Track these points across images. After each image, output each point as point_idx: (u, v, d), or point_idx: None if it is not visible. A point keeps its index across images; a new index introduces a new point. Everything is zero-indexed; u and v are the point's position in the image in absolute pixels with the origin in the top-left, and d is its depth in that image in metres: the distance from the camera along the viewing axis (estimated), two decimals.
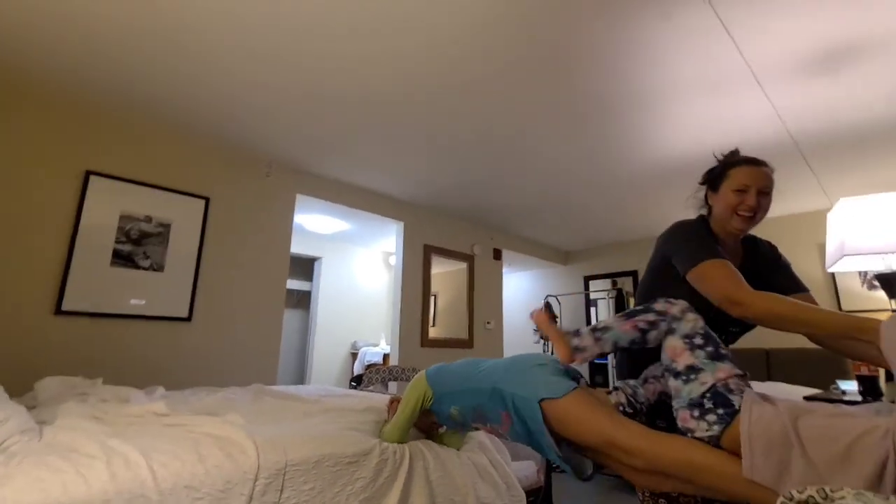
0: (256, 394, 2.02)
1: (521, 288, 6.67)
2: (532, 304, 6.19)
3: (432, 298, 4.41)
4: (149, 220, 2.74)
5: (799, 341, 4.10)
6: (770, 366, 3.99)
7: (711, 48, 2.01)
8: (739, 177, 1.31)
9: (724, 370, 1.04)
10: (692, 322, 1.14)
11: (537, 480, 2.29)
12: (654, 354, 1.21)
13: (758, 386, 3.47)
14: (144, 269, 2.68)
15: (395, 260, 4.23)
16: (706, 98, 2.42)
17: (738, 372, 1.05)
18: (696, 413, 1.01)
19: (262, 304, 3.17)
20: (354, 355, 5.06)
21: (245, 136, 2.97)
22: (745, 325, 1.35)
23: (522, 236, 5.42)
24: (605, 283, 5.63)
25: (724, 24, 1.86)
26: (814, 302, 1.29)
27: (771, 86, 2.29)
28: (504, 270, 6.52)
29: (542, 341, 5.72)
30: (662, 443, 1.05)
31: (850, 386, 1.77)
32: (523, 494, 1.76)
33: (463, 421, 1.49)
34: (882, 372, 1.51)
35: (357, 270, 5.26)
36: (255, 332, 3.11)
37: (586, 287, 5.81)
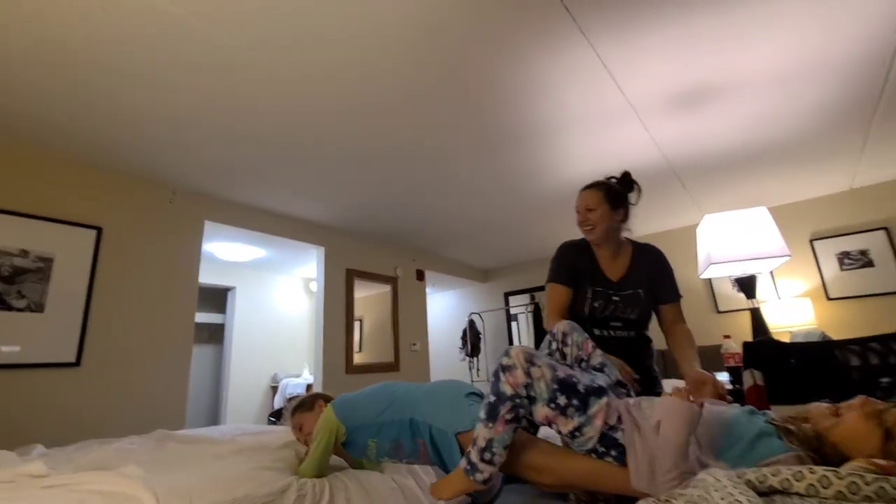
0: (159, 440, 1.86)
1: (445, 307, 6.77)
2: (457, 322, 6.32)
3: (357, 323, 4.34)
4: (25, 254, 2.43)
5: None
6: (666, 365, 4.42)
7: (595, 85, 2.27)
8: (576, 202, 1.71)
9: (599, 414, 1.09)
10: (543, 382, 1.13)
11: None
12: None
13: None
14: (19, 310, 2.37)
15: (317, 286, 4.12)
16: (594, 128, 2.70)
17: (609, 403, 1.11)
18: (596, 457, 1.12)
19: (166, 341, 2.93)
20: (275, 388, 4.79)
21: (144, 160, 2.78)
22: (627, 321, 1.55)
23: (443, 256, 5.55)
24: (524, 298, 5.91)
25: (605, 64, 2.12)
26: (679, 312, 1.60)
27: (648, 118, 2.62)
28: (427, 291, 6.60)
29: (467, 359, 5.84)
30: (568, 459, 1.16)
31: (723, 376, 2.04)
32: None
33: (378, 454, 1.51)
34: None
35: (275, 299, 5.03)
36: (158, 373, 2.85)
37: (506, 303, 6.06)
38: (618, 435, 1.09)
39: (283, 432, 1.95)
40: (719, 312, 4.44)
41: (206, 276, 4.43)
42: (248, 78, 2.07)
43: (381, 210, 3.89)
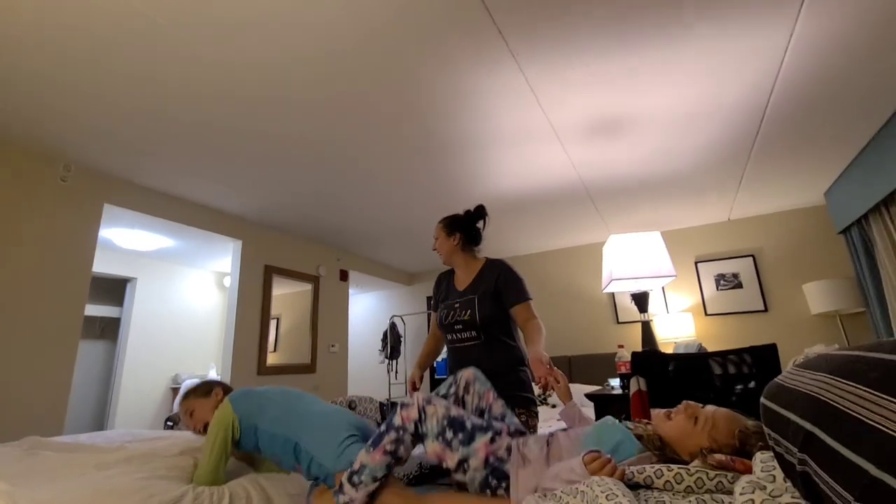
0: (30, 449, 1.65)
1: (367, 308, 6.70)
2: (378, 324, 6.28)
3: (273, 322, 4.16)
4: None
5: (588, 349, 4.94)
6: (572, 369, 4.77)
7: (522, 105, 2.41)
8: None
9: (483, 446, 1.16)
10: (435, 418, 1.19)
11: None
12: None
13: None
14: None
15: (231, 281, 3.89)
16: (519, 146, 2.87)
17: (494, 438, 1.18)
18: (489, 491, 1.17)
19: (48, 334, 2.61)
20: (176, 390, 4.42)
21: (30, 131, 2.46)
22: (465, 322, 1.69)
23: (368, 258, 5.51)
24: None
25: (532, 87, 2.27)
26: (529, 311, 1.73)
27: (568, 142, 2.83)
28: (351, 291, 6.49)
29: (386, 361, 5.83)
30: (447, 499, 1.24)
31: (616, 382, 2.27)
32: None
33: (263, 454, 1.50)
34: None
35: (183, 293, 4.65)
36: (35, 370, 2.53)
37: (429, 307, 6.14)
38: (506, 466, 1.16)
39: (182, 438, 1.83)
40: (619, 323, 4.87)
41: (102, 265, 4.00)
42: (162, 51, 1.92)
43: (304, 208, 3.78)
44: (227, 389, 1.74)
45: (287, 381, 4.12)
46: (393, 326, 5.97)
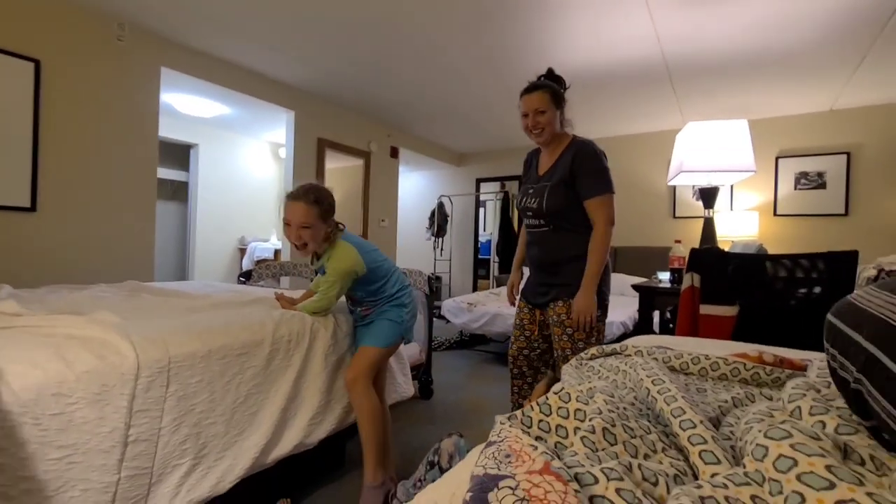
0: (132, 291, 1.92)
1: (417, 186, 6.76)
2: (427, 202, 6.38)
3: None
4: None
5: (639, 241, 4.89)
6: (616, 261, 4.77)
7: None
8: (522, 105, 1.66)
9: None
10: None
11: (419, 358, 2.62)
12: None
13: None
14: None
15: (286, 153, 3.96)
16: (598, 11, 2.49)
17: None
18: None
19: (129, 193, 2.84)
20: (243, 251, 4.86)
21: None
22: (534, 211, 1.66)
23: (419, 135, 5.37)
24: (495, 186, 5.95)
25: None
26: (599, 210, 1.59)
27: (657, 8, 2.42)
28: (401, 169, 6.50)
29: (433, 238, 6.04)
30: None
31: (665, 275, 2.25)
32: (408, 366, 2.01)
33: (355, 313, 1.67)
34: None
35: (242, 161, 4.82)
36: (123, 224, 2.81)
37: (477, 188, 6.10)
38: None
39: (252, 291, 2.05)
40: (676, 218, 4.67)
41: (167, 130, 4.15)
42: None
43: (357, 80, 3.61)
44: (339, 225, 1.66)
45: None
46: (441, 206, 6.05)
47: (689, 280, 1.60)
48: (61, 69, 2.52)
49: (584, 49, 2.94)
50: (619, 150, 5.04)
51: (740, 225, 4.14)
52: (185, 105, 3.72)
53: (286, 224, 1.54)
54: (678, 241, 2.19)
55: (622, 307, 3.36)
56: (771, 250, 3.98)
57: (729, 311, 1.50)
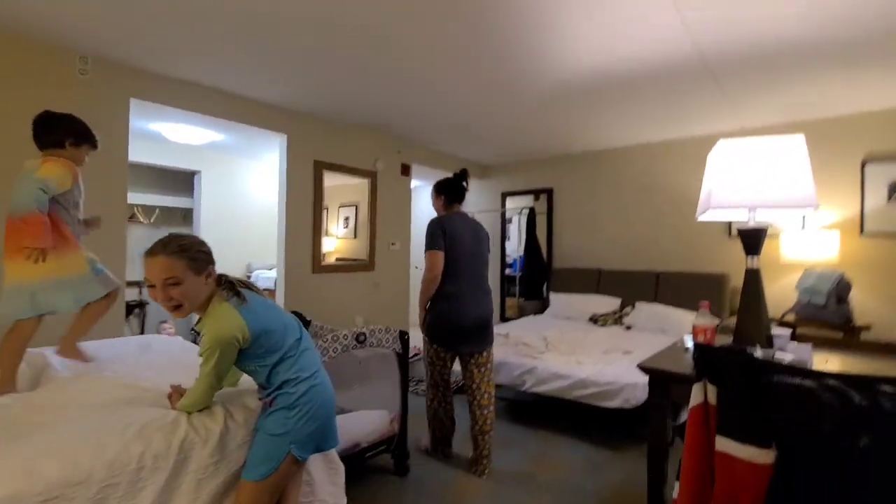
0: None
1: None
2: None
3: (325, 212, 3.98)
4: None
5: (684, 265, 4.19)
6: (658, 287, 4.10)
7: None
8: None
9: None
10: None
11: (391, 430, 2.21)
12: None
13: (648, 306, 3.47)
14: None
15: (279, 178, 3.72)
16: (608, 9, 1.97)
17: None
18: None
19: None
20: (250, 278, 4.71)
21: (40, 22, 2.21)
22: None
23: (435, 149, 4.97)
24: (523, 200, 5.41)
25: None
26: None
27: None
28: (418, 183, 6.14)
29: None
30: None
31: (691, 342, 1.68)
32: None
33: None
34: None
35: (246, 184, 4.68)
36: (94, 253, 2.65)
37: (503, 204, 5.60)
38: None
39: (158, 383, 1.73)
40: (733, 237, 3.92)
41: (168, 159, 4.06)
42: None
43: (358, 97, 3.29)
44: (226, 281, 1.30)
45: (344, 280, 4.10)
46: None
47: (701, 393, 1.07)
48: (20, 104, 2.38)
49: (598, 45, 2.41)
50: (661, 157, 4.36)
51: (816, 247, 3.37)
52: (175, 133, 3.58)
53: (149, 287, 1.20)
54: (706, 305, 1.62)
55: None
56: (858, 279, 3.19)
57: (761, 455, 0.96)
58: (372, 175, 4.34)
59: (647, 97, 3.17)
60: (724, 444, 1.01)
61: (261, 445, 1.24)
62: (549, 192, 5.18)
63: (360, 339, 1.99)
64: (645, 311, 3.94)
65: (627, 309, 4.17)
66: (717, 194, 1.64)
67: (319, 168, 3.87)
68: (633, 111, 3.49)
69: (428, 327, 2.27)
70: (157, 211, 4.78)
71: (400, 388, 2.24)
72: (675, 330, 3.50)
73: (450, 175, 2.54)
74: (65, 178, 1.63)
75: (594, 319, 4.12)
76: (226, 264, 4.48)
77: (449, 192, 2.41)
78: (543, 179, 5.24)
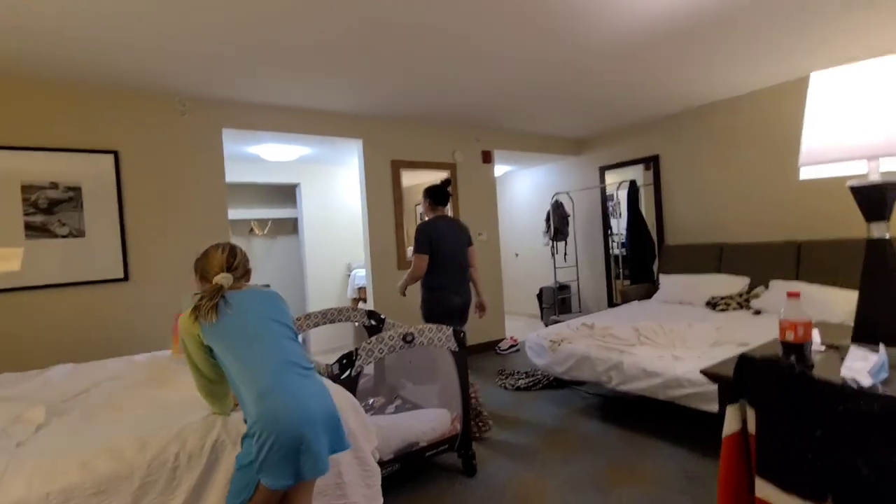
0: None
1: (529, 185, 6.05)
2: (543, 201, 5.64)
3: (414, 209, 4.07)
4: (55, 185, 2.65)
5: (836, 231, 3.39)
6: (801, 261, 3.33)
7: None
8: None
9: None
10: None
11: (453, 429, 2.16)
12: None
13: (786, 285, 2.89)
14: (63, 236, 2.67)
15: (359, 181, 3.90)
16: None
17: None
18: None
19: (205, 241, 3.09)
20: (348, 276, 5.06)
21: (145, 76, 2.65)
22: None
23: (519, 130, 4.72)
24: (627, 172, 4.85)
25: None
26: None
27: None
28: (509, 168, 5.93)
29: (551, 243, 5.30)
30: None
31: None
32: (376, 470, 1.60)
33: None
34: None
35: (339, 190, 5.01)
36: None
37: (602, 179, 5.09)
38: None
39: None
40: None
41: (270, 176, 4.56)
42: None
43: (430, 94, 3.33)
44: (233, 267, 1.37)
45: None
46: (557, 206, 5.27)
47: (736, 418, 0.80)
48: (135, 153, 2.88)
49: None
50: (786, 101, 3.51)
51: None
52: (271, 153, 3.98)
53: None
54: (794, 294, 1.21)
55: None
56: None
57: None
58: (451, 167, 4.30)
59: (753, 28, 2.55)
60: (764, 491, 0.74)
61: (235, 475, 1.23)
62: (655, 160, 4.56)
63: (408, 339, 1.97)
64: (781, 292, 3.23)
65: (759, 289, 3.47)
66: (813, 144, 1.23)
67: (397, 167, 3.96)
68: (739, 50, 2.85)
69: (425, 313, 2.71)
70: (269, 223, 5.43)
71: (459, 387, 2.17)
72: (823, 314, 2.79)
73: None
74: None
75: (712, 304, 3.52)
76: (328, 266, 4.93)
77: (434, 196, 2.79)
78: (646, 147, 4.63)
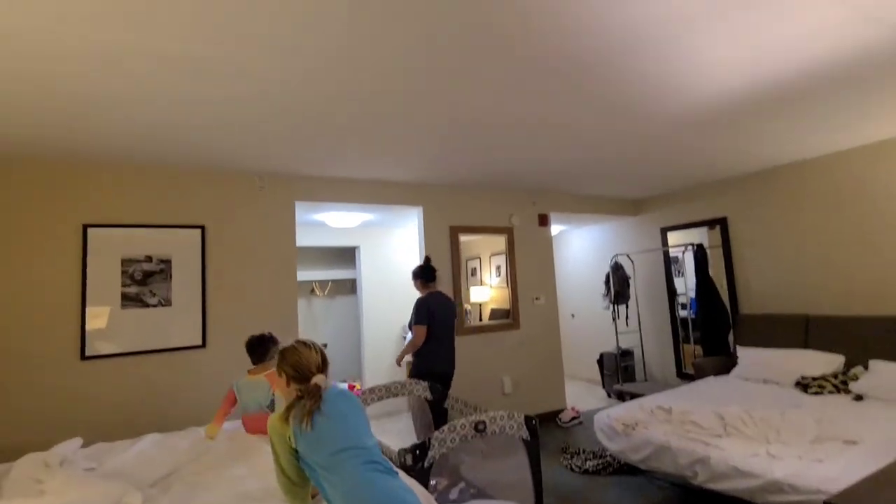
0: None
1: (584, 248, 5.93)
2: (600, 261, 5.49)
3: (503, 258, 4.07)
4: (149, 259, 2.88)
5: (841, 307, 3.10)
6: (808, 332, 3.03)
7: None
8: None
9: None
10: None
11: None
12: None
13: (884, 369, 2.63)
14: (153, 305, 2.87)
15: (419, 246, 3.98)
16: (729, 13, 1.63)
17: None
18: None
19: (278, 297, 3.24)
20: (405, 339, 5.06)
21: (231, 156, 2.88)
22: None
23: (575, 193, 4.71)
24: (690, 234, 4.68)
25: None
26: None
27: None
28: (564, 227, 5.87)
29: (611, 306, 5.10)
30: None
31: None
32: None
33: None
34: None
35: (397, 253, 5.14)
36: (270, 324, 3.07)
37: (664, 241, 4.92)
38: None
39: None
40: None
41: (332, 240, 4.77)
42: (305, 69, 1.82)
43: (483, 165, 3.45)
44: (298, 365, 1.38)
45: (489, 341, 4.07)
46: (616, 267, 5.11)
47: None
48: (218, 227, 3.11)
49: (743, 56, 2.00)
50: (872, 163, 3.30)
51: None
52: (335, 220, 4.17)
53: None
54: None
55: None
56: None
57: None
58: (508, 231, 4.32)
59: (819, 99, 2.45)
60: None
61: None
62: (722, 222, 4.37)
63: (480, 429, 1.90)
64: (886, 374, 2.90)
65: (857, 370, 3.13)
66: None
67: (455, 233, 4.03)
68: (808, 118, 2.74)
69: (417, 374, 3.02)
70: (329, 284, 5.61)
71: (532, 479, 2.05)
72: None
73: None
74: None
75: (803, 385, 3.19)
76: (384, 328, 4.96)
77: (425, 275, 3.18)
78: (713, 208, 4.46)
